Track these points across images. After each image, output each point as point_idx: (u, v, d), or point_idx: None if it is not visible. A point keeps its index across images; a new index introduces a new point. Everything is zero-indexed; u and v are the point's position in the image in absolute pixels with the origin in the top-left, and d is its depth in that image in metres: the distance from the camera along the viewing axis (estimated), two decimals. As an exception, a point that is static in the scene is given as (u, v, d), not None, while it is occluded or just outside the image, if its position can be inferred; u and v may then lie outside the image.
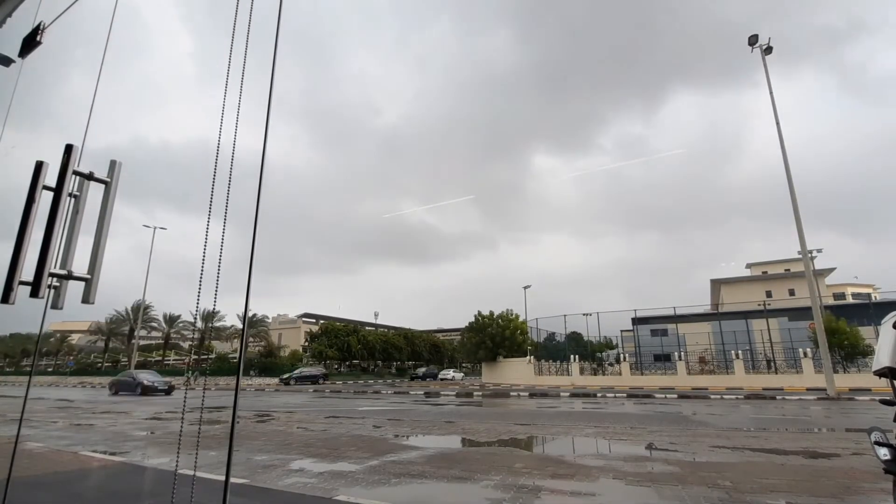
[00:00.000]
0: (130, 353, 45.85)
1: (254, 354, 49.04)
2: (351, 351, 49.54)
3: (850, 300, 41.72)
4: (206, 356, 50.64)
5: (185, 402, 1.67)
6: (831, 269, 44.53)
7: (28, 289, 1.15)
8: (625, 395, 19.79)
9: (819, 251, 31.37)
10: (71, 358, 58.44)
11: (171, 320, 49.73)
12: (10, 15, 2.04)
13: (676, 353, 28.80)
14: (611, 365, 34.90)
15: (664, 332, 35.69)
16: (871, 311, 28.83)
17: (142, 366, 48.00)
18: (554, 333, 37.85)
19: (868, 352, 24.58)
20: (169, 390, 24.02)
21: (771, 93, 19.88)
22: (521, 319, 38.45)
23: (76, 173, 1.26)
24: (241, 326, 47.82)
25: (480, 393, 22.68)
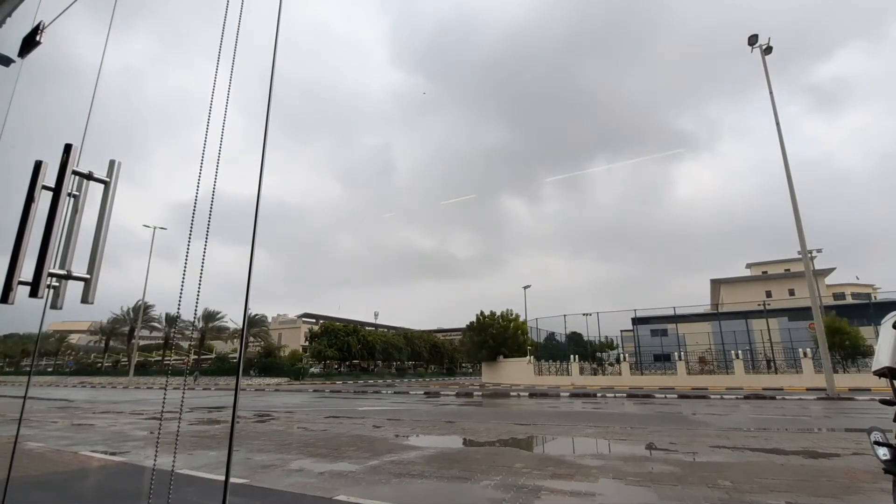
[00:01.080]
0: (130, 353, 45.87)
1: (254, 354, 49.03)
2: (351, 351, 49.55)
3: (850, 300, 41.73)
4: (206, 356, 50.66)
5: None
6: (831, 269, 44.56)
7: (27, 289, 1.15)
8: (625, 395, 19.78)
9: (819, 251, 31.39)
10: (71, 358, 58.46)
11: (171, 320, 49.71)
12: (9, 15, 2.04)
13: (676, 353, 28.80)
14: (611, 365, 34.88)
15: (664, 332, 35.69)
16: (871, 311, 28.84)
17: (141, 366, 48.03)
18: (554, 333, 37.87)
19: (868, 352, 24.59)
20: None
21: (771, 93, 19.91)
22: (521, 320, 38.48)
23: (75, 173, 1.26)
24: (240, 327, 47.81)
25: (480, 393, 22.69)
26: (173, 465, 1.38)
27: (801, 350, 24.83)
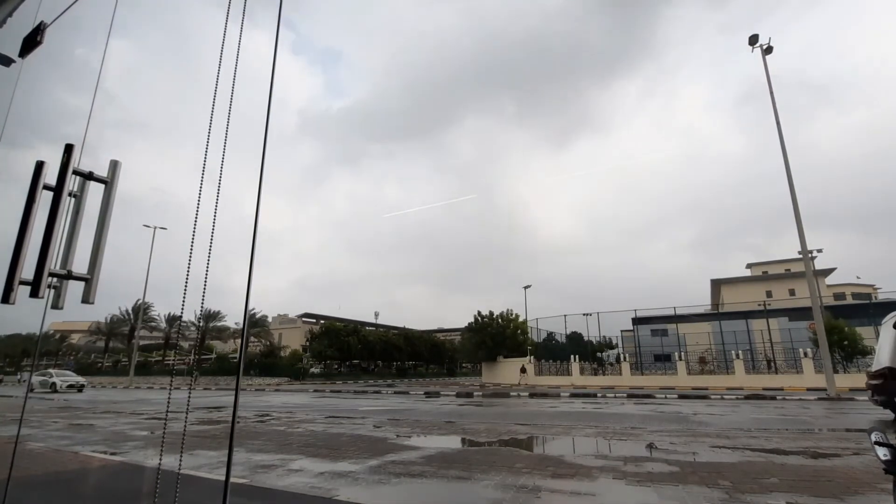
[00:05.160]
0: (130, 353, 45.87)
1: (254, 354, 49.05)
2: (351, 351, 49.53)
3: (850, 300, 41.72)
4: (206, 356, 50.67)
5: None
6: (831, 270, 44.56)
7: (28, 289, 1.15)
8: (625, 395, 19.79)
9: (819, 251, 31.41)
10: (72, 358, 58.46)
11: (172, 320, 49.75)
12: (10, 15, 2.04)
13: (676, 353, 28.81)
14: (611, 365, 34.91)
15: (664, 332, 35.70)
16: (871, 311, 28.85)
17: (141, 366, 48.03)
18: (554, 333, 37.90)
19: (868, 352, 24.59)
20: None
21: (771, 92, 19.91)
22: (521, 319, 38.46)
23: (76, 173, 1.26)
24: (240, 327, 47.87)
25: (480, 393, 22.68)
26: (179, 465, 1.39)
27: (801, 350, 24.83)
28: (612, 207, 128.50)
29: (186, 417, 1.70)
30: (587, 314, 34.32)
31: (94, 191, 1.30)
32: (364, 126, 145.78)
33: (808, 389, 20.39)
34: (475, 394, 22.25)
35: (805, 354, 24.08)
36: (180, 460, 1.58)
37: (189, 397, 1.73)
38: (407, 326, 67.09)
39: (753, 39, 20.85)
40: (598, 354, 36.46)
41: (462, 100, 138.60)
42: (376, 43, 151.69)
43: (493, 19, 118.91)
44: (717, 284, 50.28)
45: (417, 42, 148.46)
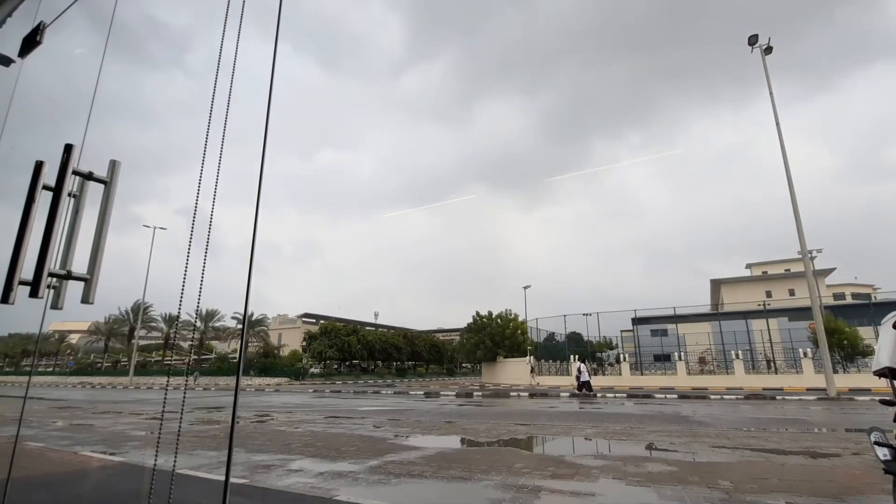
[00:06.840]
0: (130, 353, 45.86)
1: (253, 354, 49.01)
2: (351, 351, 49.52)
3: (850, 300, 41.73)
4: (205, 356, 50.65)
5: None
6: (831, 270, 44.55)
7: (28, 289, 1.15)
8: (625, 395, 19.79)
9: (819, 251, 31.40)
10: (71, 358, 58.42)
11: (171, 320, 49.70)
12: (10, 15, 2.03)
13: (676, 353, 28.80)
14: (611, 365, 34.87)
15: (664, 332, 35.70)
16: (871, 311, 28.85)
17: (141, 366, 47.99)
18: (554, 333, 37.85)
19: (868, 352, 24.60)
20: None
21: (771, 93, 19.90)
22: (520, 319, 38.44)
23: (76, 173, 1.26)
24: (240, 327, 47.83)
25: (480, 393, 22.68)
26: (174, 465, 1.40)
27: (801, 350, 24.83)
28: (584, 238, 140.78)
29: (181, 418, 1.70)
30: (587, 314, 34.28)
31: (94, 191, 1.30)
32: (371, 195, 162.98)
33: (808, 389, 20.38)
34: (475, 394, 22.25)
35: (805, 354, 24.07)
36: (175, 461, 1.58)
37: (184, 398, 1.73)
38: (407, 326, 67.12)
39: (753, 40, 20.85)
40: (598, 354, 36.44)
41: (453, 177, 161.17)
42: (385, 143, 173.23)
43: (477, 138, 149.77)
44: (716, 284, 50.27)
45: (417, 148, 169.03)
